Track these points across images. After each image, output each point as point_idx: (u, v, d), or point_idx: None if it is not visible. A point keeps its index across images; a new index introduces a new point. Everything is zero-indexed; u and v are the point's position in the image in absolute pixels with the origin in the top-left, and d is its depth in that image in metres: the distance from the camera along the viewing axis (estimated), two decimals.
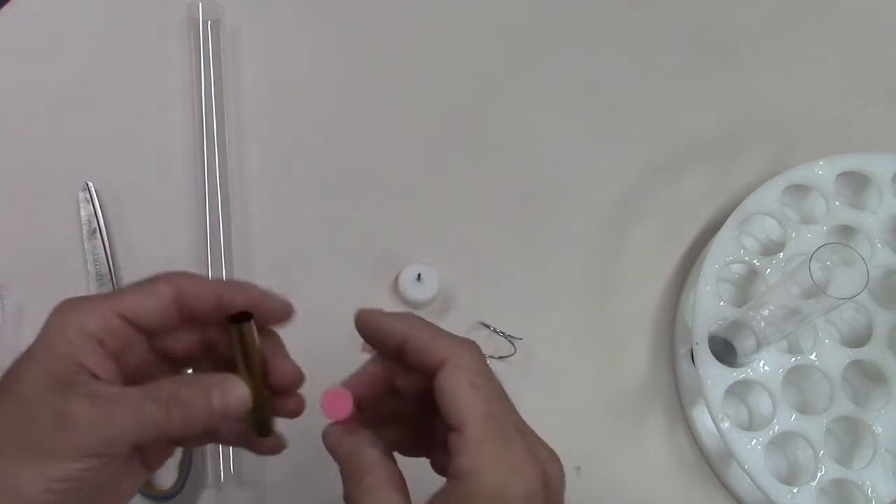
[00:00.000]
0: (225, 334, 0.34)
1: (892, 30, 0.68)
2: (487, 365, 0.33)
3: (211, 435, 0.37)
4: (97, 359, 0.31)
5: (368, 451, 0.33)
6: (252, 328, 0.34)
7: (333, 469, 0.53)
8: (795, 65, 0.65)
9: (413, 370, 0.33)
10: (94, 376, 0.31)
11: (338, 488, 0.52)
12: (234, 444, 0.37)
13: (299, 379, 0.36)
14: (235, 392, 0.32)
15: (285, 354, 0.36)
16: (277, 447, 0.37)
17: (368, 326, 0.34)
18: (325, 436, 0.35)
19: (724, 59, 0.65)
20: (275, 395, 0.36)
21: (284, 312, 0.35)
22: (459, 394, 0.31)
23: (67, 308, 0.32)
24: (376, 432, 0.35)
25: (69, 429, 0.29)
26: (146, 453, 0.35)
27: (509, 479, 0.30)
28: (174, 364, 0.36)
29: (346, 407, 0.34)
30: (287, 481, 0.50)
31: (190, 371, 0.37)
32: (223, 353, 0.36)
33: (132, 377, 0.33)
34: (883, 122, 0.64)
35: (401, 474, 0.33)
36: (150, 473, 0.36)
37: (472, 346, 0.33)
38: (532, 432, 0.33)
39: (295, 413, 0.37)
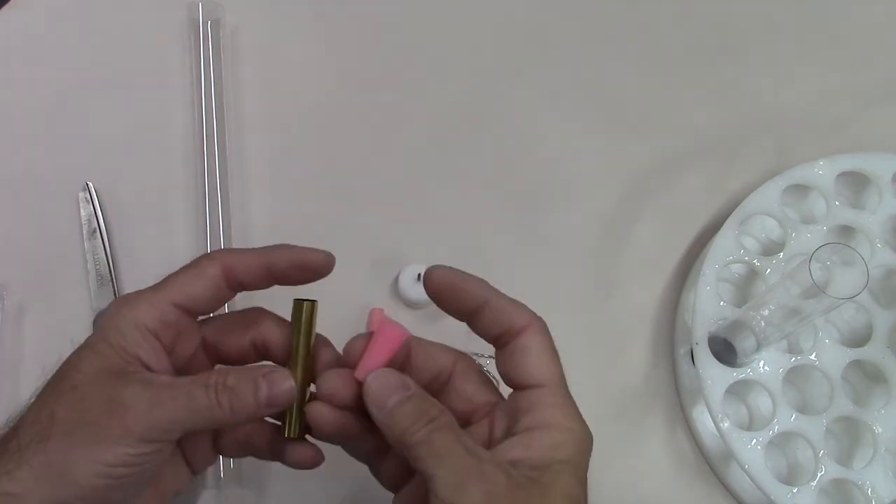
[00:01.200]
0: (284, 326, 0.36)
1: (892, 30, 0.68)
2: None
3: (248, 445, 0.37)
4: (151, 351, 0.32)
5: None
6: (314, 309, 0.35)
7: (333, 469, 0.53)
8: (795, 65, 0.65)
9: (477, 330, 0.35)
10: (148, 368, 0.32)
11: (338, 488, 0.52)
12: (270, 457, 0.37)
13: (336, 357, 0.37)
14: (281, 383, 0.33)
15: (330, 344, 0.37)
16: (314, 459, 0.36)
17: (446, 284, 0.35)
18: (378, 377, 0.33)
19: (724, 59, 0.65)
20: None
21: (328, 262, 0.36)
22: (545, 354, 0.34)
23: (122, 303, 0.33)
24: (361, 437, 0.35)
25: (123, 414, 0.30)
26: (190, 452, 0.36)
27: (585, 433, 0.33)
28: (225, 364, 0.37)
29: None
30: (287, 481, 0.50)
31: None
32: (274, 355, 0.36)
33: (184, 372, 0.35)
34: (883, 122, 0.63)
35: None
36: (192, 478, 0.36)
37: (543, 320, 0.35)
38: None
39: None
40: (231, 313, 0.38)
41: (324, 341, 0.37)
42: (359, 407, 0.34)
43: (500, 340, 0.35)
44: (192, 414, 0.31)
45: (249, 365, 0.36)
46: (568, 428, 0.33)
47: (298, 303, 0.36)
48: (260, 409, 0.33)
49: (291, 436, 0.35)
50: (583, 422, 0.33)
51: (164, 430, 0.31)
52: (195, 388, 0.32)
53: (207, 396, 0.32)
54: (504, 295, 0.35)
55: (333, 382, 0.34)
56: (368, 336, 0.35)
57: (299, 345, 0.35)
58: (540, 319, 0.35)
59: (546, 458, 0.31)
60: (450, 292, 0.35)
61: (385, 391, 0.32)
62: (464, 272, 0.35)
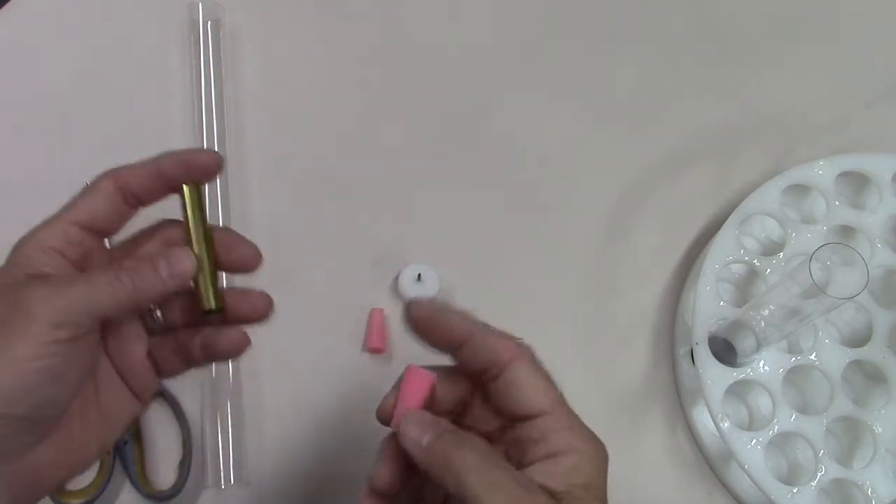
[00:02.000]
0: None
1: (892, 30, 0.68)
2: None
3: (182, 350, 0.37)
4: (57, 266, 0.33)
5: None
6: (198, 191, 0.36)
7: (333, 469, 0.53)
8: (795, 64, 0.65)
9: (463, 367, 0.34)
10: None
11: (338, 489, 0.52)
12: (204, 358, 0.37)
13: (255, 255, 0.37)
14: (180, 254, 0.34)
15: (239, 236, 0.37)
16: (240, 343, 0.37)
17: (425, 319, 0.34)
18: (412, 418, 0.33)
19: (725, 59, 0.65)
20: (231, 271, 0.37)
21: (215, 159, 0.36)
22: (537, 382, 0.33)
23: (26, 234, 0.34)
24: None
25: (27, 306, 0.30)
26: (127, 372, 0.36)
27: (600, 451, 0.33)
28: None
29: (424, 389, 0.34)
30: (287, 481, 0.50)
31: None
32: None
33: None
34: (883, 122, 0.64)
35: None
36: (138, 406, 0.37)
37: (531, 349, 0.34)
38: None
39: (259, 310, 0.37)
40: (137, 231, 0.37)
41: (227, 231, 0.37)
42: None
43: (488, 374, 0.33)
44: (95, 295, 0.32)
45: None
46: (582, 451, 0.32)
47: (182, 187, 0.36)
48: (163, 282, 0.33)
49: (210, 307, 0.35)
50: (594, 439, 0.33)
51: (70, 314, 0.31)
52: (94, 274, 0.32)
53: (107, 277, 0.32)
54: (488, 327, 0.34)
55: (379, 470, 0.34)
56: (397, 389, 0.34)
57: (190, 222, 0.36)
58: (527, 349, 0.34)
59: (566, 486, 0.31)
60: (430, 327, 0.34)
61: (420, 429, 0.32)
62: (445, 305, 0.34)
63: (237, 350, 0.37)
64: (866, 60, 0.66)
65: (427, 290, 0.54)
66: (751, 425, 0.53)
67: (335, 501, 0.50)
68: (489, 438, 0.34)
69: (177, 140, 0.58)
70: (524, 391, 0.33)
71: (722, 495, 0.53)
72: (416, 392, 0.34)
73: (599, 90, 0.63)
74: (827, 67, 0.66)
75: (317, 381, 0.53)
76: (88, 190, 0.35)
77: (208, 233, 0.36)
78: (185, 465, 0.49)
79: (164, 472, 0.50)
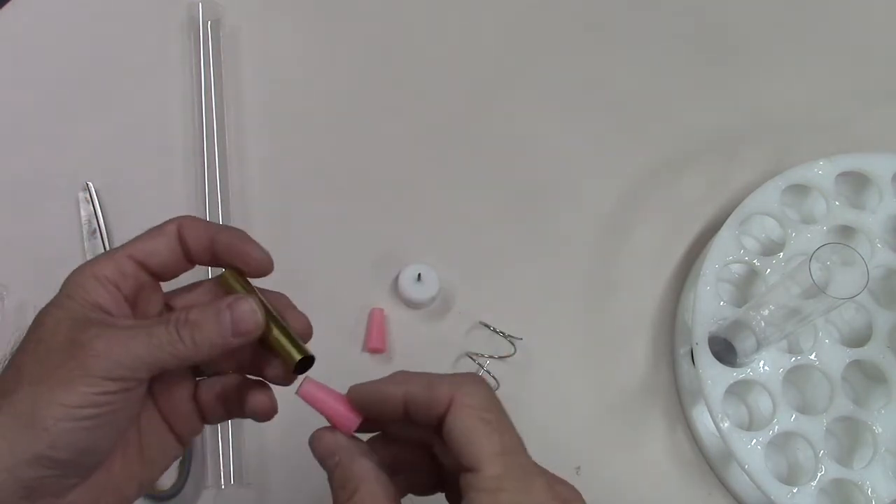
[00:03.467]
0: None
1: (892, 30, 0.68)
2: (496, 397, 0.32)
3: (225, 399, 0.36)
4: (111, 298, 0.33)
5: (360, 462, 0.32)
6: (232, 276, 0.35)
7: None
8: (795, 65, 0.65)
9: (422, 427, 0.32)
10: (109, 314, 0.32)
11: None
12: (241, 412, 0.36)
13: (309, 330, 0.36)
14: (245, 312, 0.32)
15: (295, 307, 0.37)
16: (272, 407, 0.36)
17: (366, 401, 0.33)
18: (313, 440, 0.33)
19: (725, 59, 0.65)
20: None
21: (262, 261, 0.35)
22: (471, 431, 0.30)
23: (83, 264, 0.33)
24: (392, 479, 0.33)
25: (83, 355, 0.30)
26: (172, 416, 0.35)
27: None
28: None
29: (353, 417, 0.33)
30: (287, 481, 0.50)
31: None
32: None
33: None
34: (883, 122, 0.63)
35: (395, 489, 0.32)
36: (179, 448, 0.36)
37: (477, 379, 0.32)
38: (547, 471, 0.32)
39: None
40: (194, 282, 0.37)
41: (280, 298, 0.37)
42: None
43: (439, 428, 0.31)
44: (153, 350, 0.31)
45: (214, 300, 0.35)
46: None
47: (221, 276, 0.35)
48: (225, 337, 0.32)
49: (298, 357, 0.33)
50: (533, 500, 0.30)
51: (126, 367, 0.31)
52: (155, 326, 0.32)
53: (168, 331, 0.31)
54: (424, 378, 0.32)
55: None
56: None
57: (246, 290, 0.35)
58: (466, 384, 0.31)
59: None
60: (373, 406, 0.33)
61: (320, 455, 0.33)
62: (382, 379, 0.33)
63: (262, 412, 0.35)
64: (866, 60, 0.66)
65: (427, 290, 0.54)
66: (751, 425, 0.53)
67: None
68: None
69: (177, 140, 0.58)
70: (457, 444, 0.30)
71: (722, 495, 0.53)
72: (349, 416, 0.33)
73: (600, 90, 0.63)
74: (827, 67, 0.65)
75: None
76: (153, 229, 0.35)
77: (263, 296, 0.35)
78: (185, 465, 0.49)
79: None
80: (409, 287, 0.54)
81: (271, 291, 0.36)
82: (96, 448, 0.32)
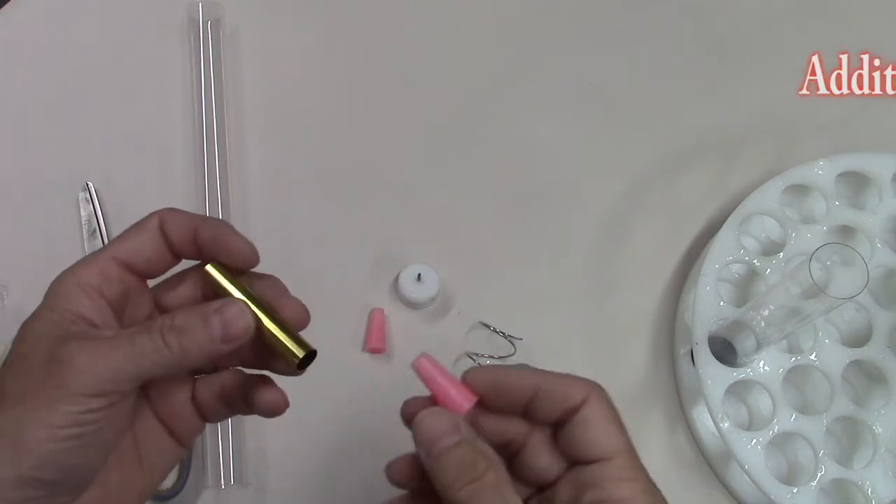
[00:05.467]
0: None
1: (892, 30, 0.68)
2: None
3: (225, 397, 0.35)
4: (94, 307, 0.31)
5: (485, 444, 0.32)
6: (215, 269, 0.33)
7: (334, 469, 0.53)
8: (796, 65, 0.65)
9: (534, 419, 0.33)
10: (93, 325, 0.31)
11: (338, 489, 0.52)
12: (246, 409, 0.35)
13: (305, 316, 0.35)
14: (234, 311, 0.31)
15: (287, 292, 0.35)
16: (283, 402, 0.35)
17: (489, 385, 0.33)
18: (423, 419, 0.32)
19: (725, 59, 0.65)
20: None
21: (247, 252, 0.34)
22: (608, 424, 0.32)
23: (66, 270, 0.32)
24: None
25: (63, 372, 0.29)
26: (169, 418, 0.34)
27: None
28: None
29: (471, 397, 0.32)
30: (287, 481, 0.50)
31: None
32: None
33: None
34: (883, 122, 0.63)
35: None
36: (180, 450, 0.35)
37: (602, 386, 0.33)
38: None
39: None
40: (181, 271, 0.36)
41: (272, 282, 0.35)
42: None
43: (561, 420, 0.32)
44: (138, 360, 0.30)
45: (200, 304, 0.33)
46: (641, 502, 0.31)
47: (203, 270, 0.34)
48: (214, 344, 0.31)
49: (300, 355, 0.33)
50: (656, 494, 0.31)
51: (108, 381, 0.29)
52: (138, 335, 0.30)
53: (152, 340, 0.30)
54: (553, 373, 0.33)
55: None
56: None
57: (233, 287, 0.33)
58: (597, 388, 0.33)
59: None
60: (495, 392, 0.33)
61: (435, 433, 0.31)
62: (505, 366, 0.33)
63: (273, 410, 0.34)
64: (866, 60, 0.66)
65: (427, 290, 0.54)
66: (751, 425, 0.53)
67: (335, 501, 0.50)
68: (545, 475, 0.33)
69: (177, 140, 0.58)
70: (593, 433, 0.32)
71: (722, 495, 0.53)
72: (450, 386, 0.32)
73: (600, 90, 0.63)
74: (826, 67, 0.65)
75: (316, 381, 0.52)
76: (134, 226, 0.33)
77: (253, 293, 0.34)
78: (185, 465, 0.49)
79: None
80: (408, 287, 0.54)
81: (262, 275, 0.35)
82: (85, 466, 0.31)
